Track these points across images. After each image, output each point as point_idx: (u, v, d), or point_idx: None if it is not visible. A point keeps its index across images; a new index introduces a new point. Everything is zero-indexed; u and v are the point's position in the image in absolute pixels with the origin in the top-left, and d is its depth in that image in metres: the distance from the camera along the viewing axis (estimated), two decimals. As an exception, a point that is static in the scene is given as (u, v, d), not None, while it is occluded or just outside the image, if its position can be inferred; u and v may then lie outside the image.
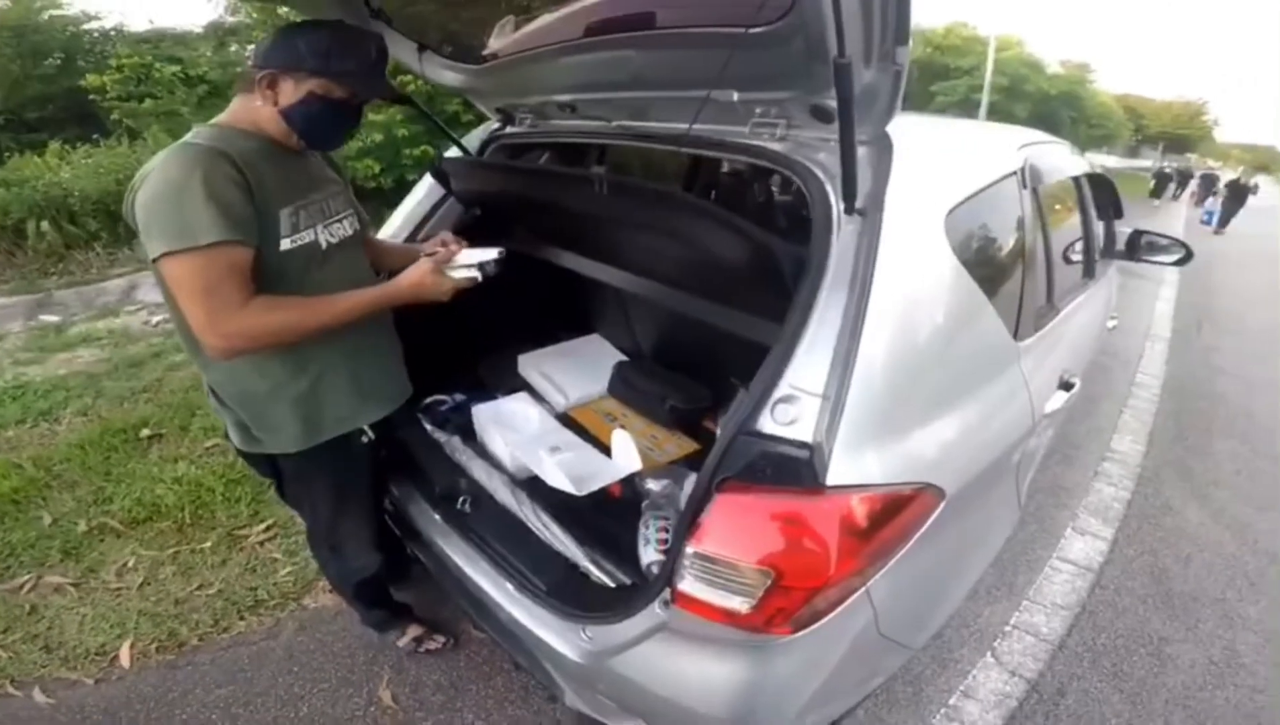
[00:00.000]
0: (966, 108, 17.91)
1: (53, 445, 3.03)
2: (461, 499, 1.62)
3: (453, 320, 1.73)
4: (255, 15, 9.49)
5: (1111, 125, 25.63)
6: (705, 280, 1.70)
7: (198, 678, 1.90)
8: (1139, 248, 2.82)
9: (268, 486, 2.66)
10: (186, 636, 2.02)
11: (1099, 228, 2.66)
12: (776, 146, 1.27)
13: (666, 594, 1.08)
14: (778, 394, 0.99)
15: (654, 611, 1.10)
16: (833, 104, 1.03)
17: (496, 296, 1.61)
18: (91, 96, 8.13)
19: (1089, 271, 2.45)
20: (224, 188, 1.11)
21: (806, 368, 1.00)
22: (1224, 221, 14.70)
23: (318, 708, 1.81)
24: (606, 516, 1.54)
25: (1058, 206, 2.14)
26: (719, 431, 1.08)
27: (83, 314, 5.09)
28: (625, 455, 1.70)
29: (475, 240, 1.56)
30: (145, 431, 3.11)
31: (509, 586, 1.39)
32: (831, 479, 0.95)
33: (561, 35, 1.53)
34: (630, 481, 1.66)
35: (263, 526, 2.49)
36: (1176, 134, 43.08)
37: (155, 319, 4.91)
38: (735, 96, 1.29)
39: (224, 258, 1.11)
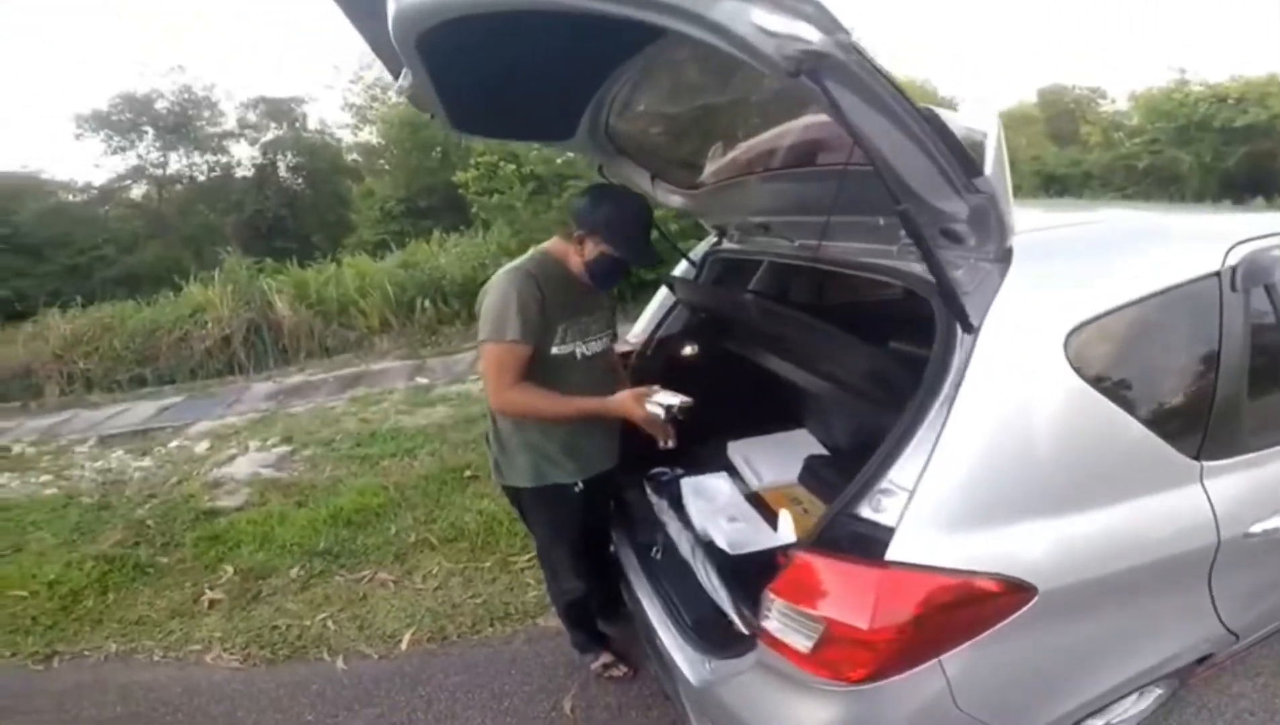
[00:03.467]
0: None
1: (408, 476, 4.23)
2: (655, 548, 2.04)
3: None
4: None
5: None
6: (873, 388, 1.89)
7: (445, 665, 2.57)
8: None
9: None
10: (450, 632, 2.75)
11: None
12: (915, 268, 1.41)
13: None
14: (879, 486, 1.20)
15: (755, 653, 1.37)
16: (956, 227, 1.25)
17: (720, 391, 2.06)
18: (459, 191, 9.70)
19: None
20: (527, 304, 1.74)
21: (907, 465, 1.19)
22: None
23: (515, 706, 2.36)
24: (763, 580, 1.77)
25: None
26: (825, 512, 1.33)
27: (443, 378, 6.82)
28: (785, 529, 1.97)
29: (699, 338, 2.16)
30: (468, 472, 4.14)
31: (669, 621, 1.75)
32: (898, 556, 1.14)
33: (751, 166, 1.96)
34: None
35: (528, 556, 3.16)
36: None
37: None
38: (881, 221, 1.52)
39: (514, 352, 1.75)
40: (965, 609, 1.21)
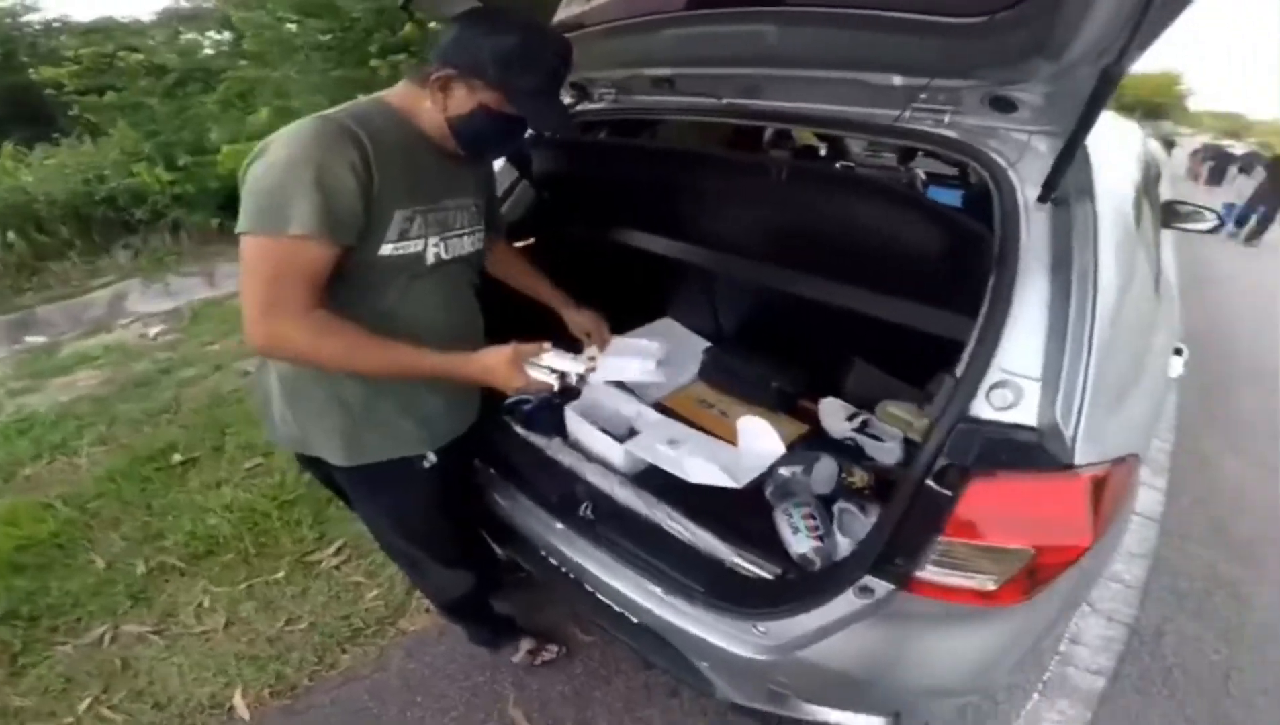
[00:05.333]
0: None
1: (79, 481, 2.94)
2: (582, 505, 1.57)
3: (516, 306, 1.66)
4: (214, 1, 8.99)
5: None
6: (849, 261, 1.70)
7: (320, 719, 1.87)
8: (1174, 216, 2.98)
9: (326, 502, 2.61)
10: (295, 678, 1.98)
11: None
12: (948, 132, 1.27)
13: (867, 581, 1.12)
14: (990, 380, 1.03)
15: (849, 599, 1.14)
16: (1020, 95, 1.15)
17: (575, 285, 1.65)
18: (48, 92, 7.65)
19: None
20: (338, 175, 1.05)
21: (1017, 353, 1.03)
22: (1264, 224, 9.82)
23: None
24: (730, 509, 1.55)
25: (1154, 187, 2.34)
26: (931, 418, 1.11)
27: (71, 332, 4.97)
28: (766, 439, 1.69)
29: (538, 226, 1.58)
30: (176, 456, 3.02)
31: (657, 590, 1.38)
32: (1078, 458, 1.00)
33: (665, 4, 1.45)
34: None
35: (332, 549, 2.43)
36: (1153, 102, 44.35)
37: (153, 331, 4.82)
38: (896, 80, 1.28)
39: (301, 252, 1.06)
40: (1116, 494, 1.10)
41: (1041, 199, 1.12)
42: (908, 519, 1.08)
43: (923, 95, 1.28)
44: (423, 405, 1.32)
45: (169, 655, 2.05)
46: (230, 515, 2.56)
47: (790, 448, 1.75)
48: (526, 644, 1.92)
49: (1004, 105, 1.19)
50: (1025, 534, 1.02)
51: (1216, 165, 15.99)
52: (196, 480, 2.85)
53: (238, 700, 1.89)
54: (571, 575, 1.57)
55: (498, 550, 1.91)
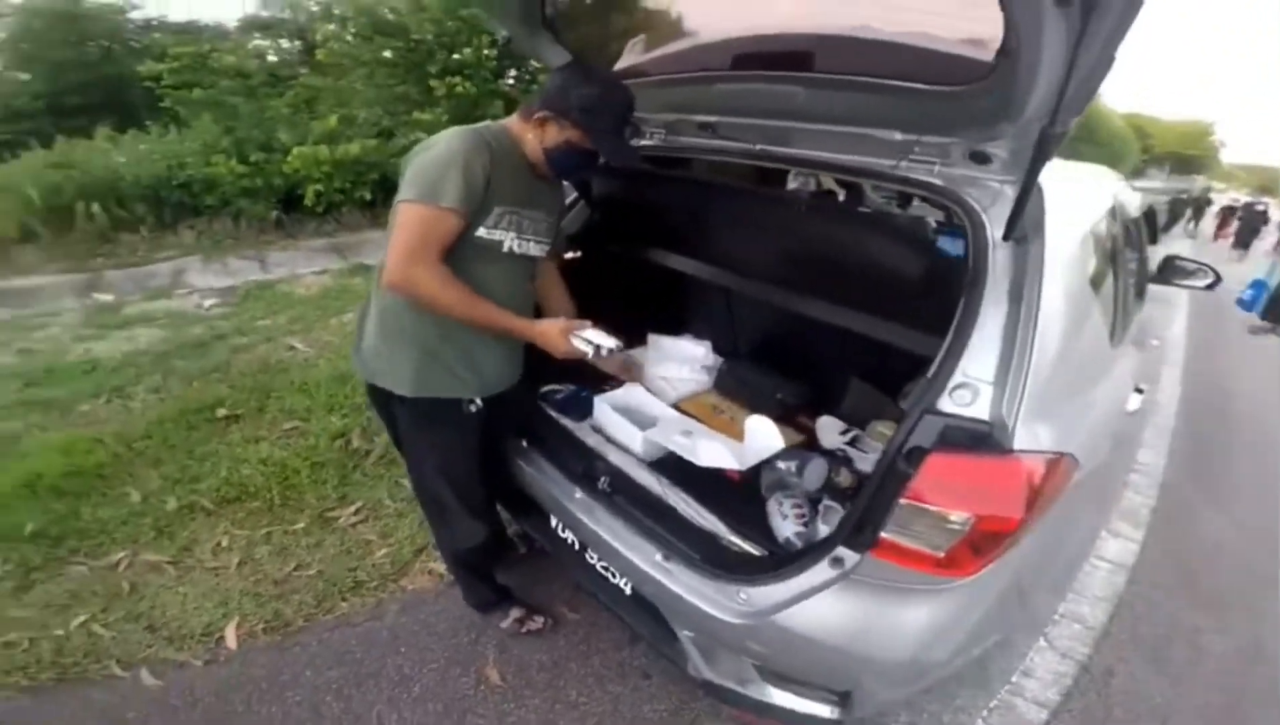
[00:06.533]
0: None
1: (130, 422, 3.16)
2: (602, 478, 1.76)
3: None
4: (288, 12, 9.54)
5: (1119, 145, 24.75)
6: (853, 288, 1.93)
7: (306, 659, 1.98)
8: (1174, 272, 3.16)
9: (353, 468, 2.76)
10: (291, 617, 2.12)
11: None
12: (934, 180, 1.50)
13: (839, 552, 1.30)
14: (954, 382, 1.24)
15: (824, 568, 1.32)
16: (994, 151, 1.41)
17: (612, 294, 1.92)
18: (146, 84, 8.20)
19: (1140, 293, 2.81)
20: (474, 171, 1.43)
21: (976, 361, 1.26)
22: None
23: (429, 688, 1.91)
24: (732, 496, 1.75)
25: (1126, 236, 2.46)
26: (904, 409, 1.31)
27: (135, 295, 5.30)
28: (769, 435, 1.86)
29: (588, 240, 1.99)
30: (222, 411, 3.23)
31: (657, 556, 1.55)
32: (1017, 445, 1.21)
33: (710, 62, 1.79)
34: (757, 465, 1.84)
35: (352, 509, 2.59)
36: (1184, 155, 42.62)
37: (208, 302, 5.12)
38: (898, 136, 1.54)
39: (445, 220, 1.42)
40: (1050, 487, 1.28)
41: (1005, 237, 1.34)
42: (879, 493, 1.25)
43: (916, 149, 1.54)
44: (480, 358, 1.62)
45: (177, 585, 2.19)
46: (263, 468, 2.74)
47: (787, 451, 1.89)
48: (516, 613, 2.04)
49: (981, 158, 1.45)
50: (969, 502, 1.20)
51: (1244, 225, 14.35)
52: (238, 434, 3.05)
53: (229, 632, 2.02)
54: (577, 547, 1.77)
55: (508, 526, 2.08)
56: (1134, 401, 2.04)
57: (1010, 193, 1.39)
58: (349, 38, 8.25)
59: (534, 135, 1.55)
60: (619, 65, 1.99)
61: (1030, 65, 1.11)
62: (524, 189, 1.57)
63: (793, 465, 1.75)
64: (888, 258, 1.77)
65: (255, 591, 2.17)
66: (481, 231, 1.50)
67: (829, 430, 2.06)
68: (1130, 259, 2.47)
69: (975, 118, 1.36)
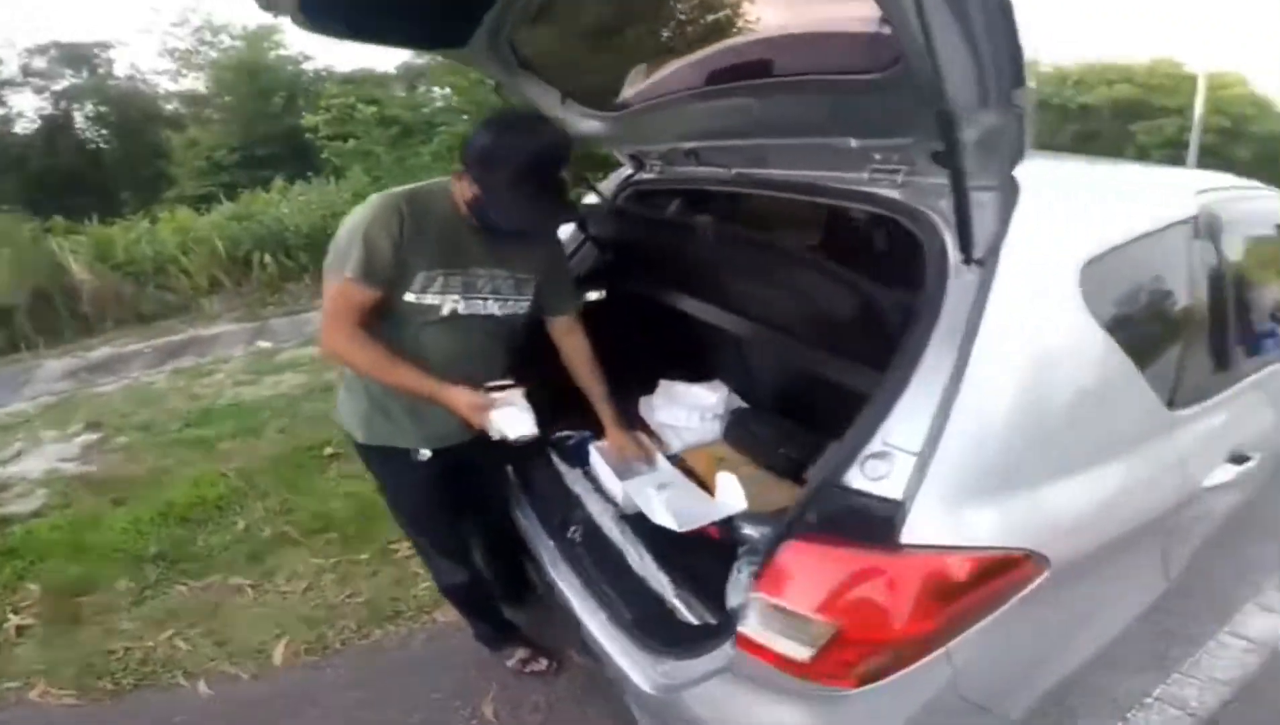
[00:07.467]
0: (1175, 150, 14.82)
1: (254, 458, 3.62)
2: (573, 528, 1.75)
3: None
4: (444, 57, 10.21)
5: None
6: (820, 331, 1.76)
7: (334, 679, 2.18)
8: None
9: None
10: (331, 640, 2.33)
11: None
12: (893, 194, 1.28)
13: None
14: (870, 449, 1.00)
15: (725, 652, 1.14)
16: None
17: (629, 339, 1.86)
18: (308, 135, 9.17)
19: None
20: (377, 239, 1.41)
21: (905, 423, 1.00)
22: None
23: (429, 716, 2.02)
24: (703, 557, 1.60)
25: (1254, 263, 1.91)
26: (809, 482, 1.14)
27: (291, 341, 6.03)
28: (731, 495, 1.74)
29: (609, 281, 1.94)
30: (328, 449, 3.58)
31: (603, 615, 1.49)
32: (914, 538, 0.95)
33: (686, 83, 1.67)
34: (730, 525, 1.69)
35: (410, 543, 2.68)
36: None
37: None
38: (854, 143, 1.34)
39: (347, 291, 1.43)
40: (983, 591, 1.02)
41: (965, 260, 1.07)
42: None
43: (877, 155, 1.32)
44: (424, 410, 1.60)
45: (251, 606, 2.49)
46: (348, 503, 3.02)
47: (780, 512, 1.67)
48: (521, 653, 2.08)
49: (943, 159, 1.14)
50: (829, 606, 0.97)
51: None
52: (335, 471, 3.38)
53: (277, 650, 2.26)
54: (555, 594, 1.71)
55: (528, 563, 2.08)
56: (1222, 473, 1.51)
57: (989, 201, 1.10)
58: (476, 85, 8.77)
59: (457, 190, 1.50)
60: (620, 97, 1.92)
61: (910, 33, 0.90)
62: (463, 248, 1.52)
63: (765, 529, 1.58)
64: (834, 298, 1.51)
65: (310, 615, 2.41)
66: (410, 297, 1.48)
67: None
68: (1248, 288, 1.88)
69: (910, 111, 1.11)
